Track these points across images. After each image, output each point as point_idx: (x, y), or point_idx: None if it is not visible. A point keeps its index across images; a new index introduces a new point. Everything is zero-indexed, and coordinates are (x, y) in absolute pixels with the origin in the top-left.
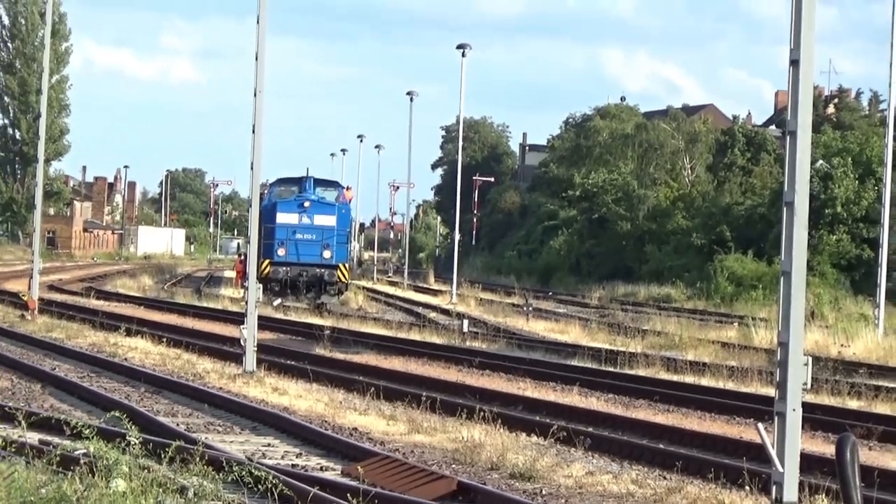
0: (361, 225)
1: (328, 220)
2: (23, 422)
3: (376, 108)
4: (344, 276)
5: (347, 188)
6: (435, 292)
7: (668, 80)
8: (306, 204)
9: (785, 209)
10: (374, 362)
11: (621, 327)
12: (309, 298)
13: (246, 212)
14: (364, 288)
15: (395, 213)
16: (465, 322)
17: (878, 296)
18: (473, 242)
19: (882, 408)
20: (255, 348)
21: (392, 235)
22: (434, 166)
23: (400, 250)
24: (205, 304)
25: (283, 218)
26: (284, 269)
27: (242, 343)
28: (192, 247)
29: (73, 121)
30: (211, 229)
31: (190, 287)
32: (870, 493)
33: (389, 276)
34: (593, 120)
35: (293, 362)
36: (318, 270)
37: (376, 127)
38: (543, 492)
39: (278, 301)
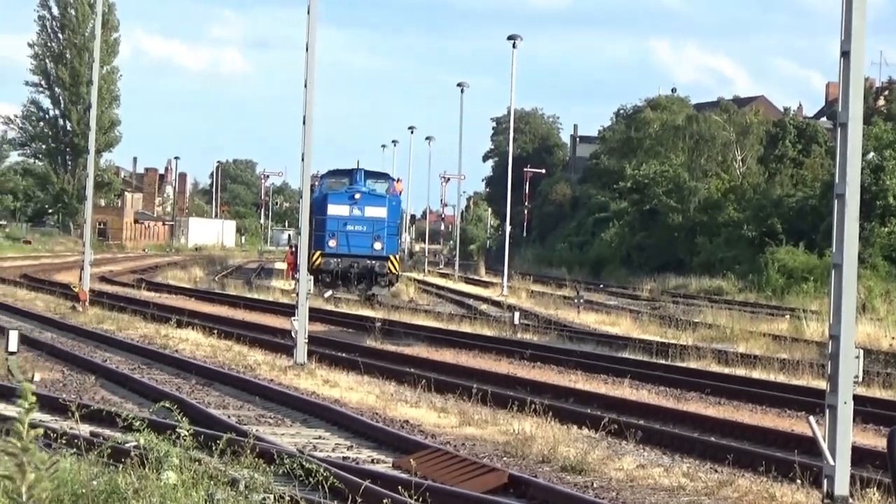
0: (412, 217)
1: (379, 212)
2: (76, 413)
3: (427, 99)
4: (395, 267)
5: (397, 180)
6: (486, 284)
7: (717, 71)
8: (357, 196)
9: (836, 201)
10: (426, 354)
11: (672, 320)
12: (360, 290)
13: (297, 203)
14: (415, 280)
15: (446, 205)
16: (517, 314)
17: None
18: (524, 234)
19: None
20: (306, 340)
21: (443, 227)
22: (485, 158)
23: (451, 242)
24: (256, 296)
25: (334, 210)
26: (335, 260)
27: (293, 335)
28: (243, 238)
29: (123, 112)
30: (262, 220)
31: (241, 279)
32: None
33: (440, 268)
34: (644, 111)
35: (344, 354)
36: (368, 262)
37: (427, 118)
38: (594, 485)
39: (329, 293)
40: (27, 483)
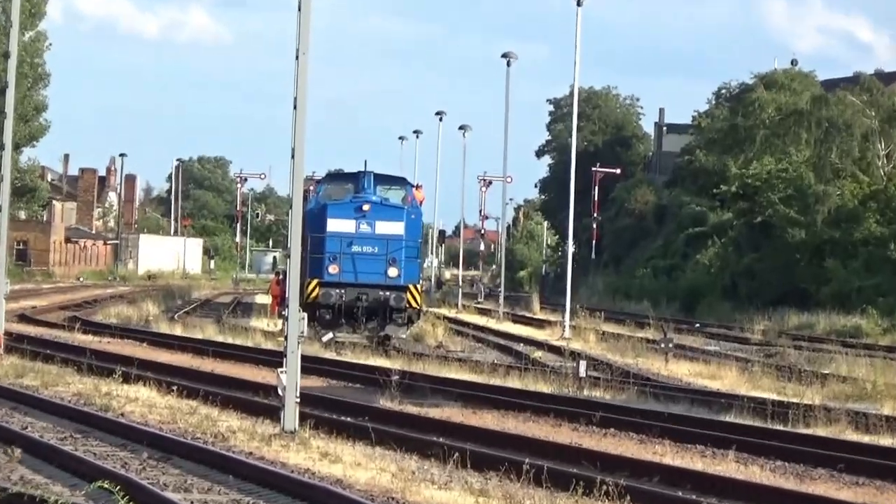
0: (441, 233)
1: (394, 228)
2: None
3: (460, 76)
4: (415, 300)
5: (418, 186)
6: (541, 323)
7: (851, 36)
8: (365, 207)
9: None
10: (459, 418)
11: (793, 371)
12: (370, 330)
13: (285, 216)
14: (445, 318)
15: (487, 218)
16: (583, 364)
17: None
18: (593, 256)
19: None
20: (298, 399)
21: (483, 247)
22: (539, 153)
23: (494, 267)
24: (230, 340)
25: (335, 225)
26: (337, 291)
27: (280, 392)
28: (213, 262)
29: (52, 94)
30: (238, 239)
31: (209, 316)
32: None
33: (479, 302)
34: (755, 91)
35: (349, 418)
36: (381, 293)
37: (461, 101)
38: None
39: (329, 335)
40: None
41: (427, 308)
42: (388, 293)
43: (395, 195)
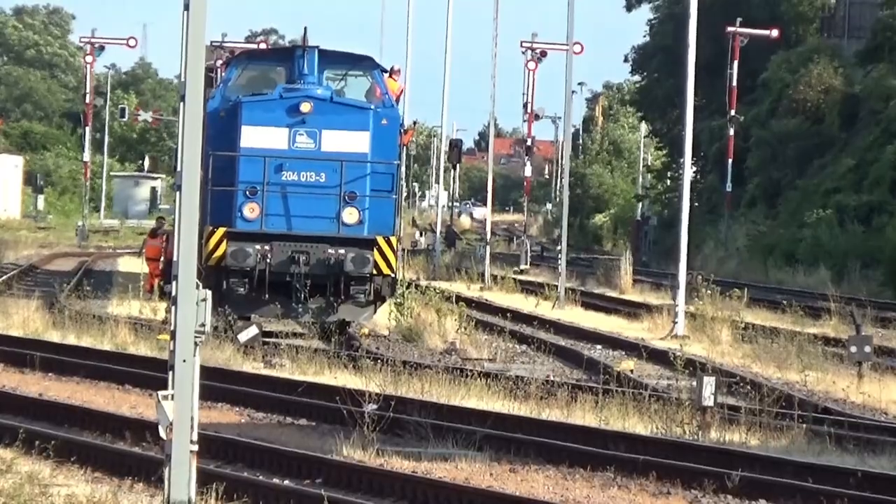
0: (454, 148)
1: (353, 142)
2: None
3: None
4: (387, 262)
5: (393, 71)
6: (633, 309)
7: None
8: (305, 107)
9: None
10: (485, 482)
11: None
12: (313, 313)
13: (170, 116)
14: (461, 299)
15: (538, 118)
16: (708, 383)
17: None
18: (729, 187)
19: None
20: (195, 448)
21: (530, 171)
22: (630, 4)
23: (550, 208)
24: (71, 341)
25: (254, 136)
26: (257, 248)
27: (163, 434)
28: (42, 199)
29: None
30: (87, 156)
31: (34, 295)
32: None
33: (523, 271)
34: None
35: (287, 482)
36: (331, 252)
37: None
38: None
39: (251, 331)
40: None
41: (427, 280)
42: (342, 251)
43: (354, 86)
